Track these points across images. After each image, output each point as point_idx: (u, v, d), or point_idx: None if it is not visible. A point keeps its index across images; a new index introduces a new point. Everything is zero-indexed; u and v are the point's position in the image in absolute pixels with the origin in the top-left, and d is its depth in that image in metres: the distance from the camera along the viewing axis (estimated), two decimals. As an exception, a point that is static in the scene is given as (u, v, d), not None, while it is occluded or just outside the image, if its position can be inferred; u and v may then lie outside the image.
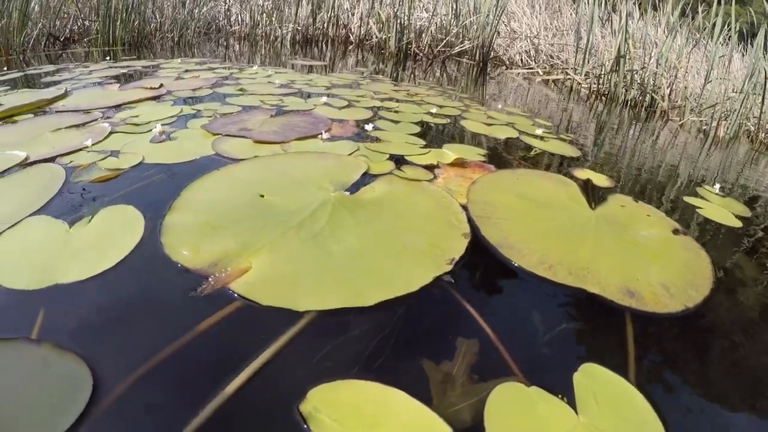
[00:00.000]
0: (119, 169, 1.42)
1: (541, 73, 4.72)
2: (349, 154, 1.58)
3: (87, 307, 0.87)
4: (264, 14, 5.80)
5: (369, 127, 1.84)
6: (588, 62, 4.33)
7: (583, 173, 1.69)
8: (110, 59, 4.08)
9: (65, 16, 5.76)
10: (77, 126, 1.85)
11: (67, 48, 5.32)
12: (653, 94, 3.78)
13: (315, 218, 1.15)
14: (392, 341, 0.82)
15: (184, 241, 1.03)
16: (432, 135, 1.96)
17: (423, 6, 5.74)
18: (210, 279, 0.91)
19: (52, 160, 1.52)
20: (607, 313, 0.96)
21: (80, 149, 1.59)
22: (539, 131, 2.15)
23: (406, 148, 1.69)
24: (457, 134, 2.03)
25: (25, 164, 1.50)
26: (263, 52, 4.97)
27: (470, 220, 1.23)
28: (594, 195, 1.52)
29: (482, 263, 1.09)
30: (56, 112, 2.11)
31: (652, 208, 1.46)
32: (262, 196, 1.25)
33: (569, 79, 4.39)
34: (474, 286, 1.00)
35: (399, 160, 1.60)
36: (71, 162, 1.49)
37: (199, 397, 0.70)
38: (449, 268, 1.02)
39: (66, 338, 0.79)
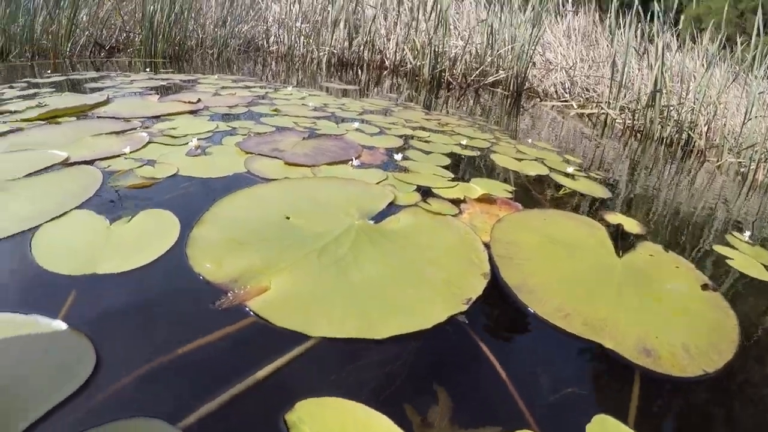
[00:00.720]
0: (154, 178, 1.47)
1: (575, 107, 4.72)
2: (377, 183, 1.61)
3: (112, 298, 0.94)
4: (302, 36, 5.93)
5: (398, 156, 1.87)
6: (624, 96, 4.30)
7: (614, 217, 1.69)
8: (151, 71, 4.20)
9: (112, 26, 5.95)
10: (117, 133, 1.92)
11: (112, 56, 5.49)
12: (690, 132, 3.69)
13: (338, 244, 1.17)
14: (397, 375, 0.83)
15: (208, 254, 1.07)
16: (461, 167, 1.98)
17: (459, 34, 5.80)
18: (229, 294, 0.94)
19: (91, 162, 1.58)
20: (622, 368, 0.94)
21: (118, 155, 1.65)
22: (570, 169, 2.15)
23: (434, 180, 1.72)
24: (485, 168, 2.05)
25: (66, 164, 1.56)
26: (299, 74, 5.07)
27: (492, 259, 1.23)
28: (623, 241, 1.51)
29: (499, 305, 1.09)
30: (97, 117, 2.19)
31: (681, 259, 1.42)
32: (288, 218, 1.28)
33: (604, 113, 4.37)
34: (488, 328, 1.00)
35: (426, 192, 1.62)
36: (109, 166, 1.55)
37: (193, 399, 0.73)
38: (465, 307, 1.02)
39: (85, 322, 0.86)
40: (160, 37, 5.21)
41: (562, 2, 6.65)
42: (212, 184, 1.50)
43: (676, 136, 3.79)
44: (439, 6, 5.14)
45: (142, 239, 1.13)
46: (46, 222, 1.18)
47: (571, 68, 5.25)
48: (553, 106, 4.84)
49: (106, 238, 1.13)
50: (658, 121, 3.83)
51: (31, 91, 3.00)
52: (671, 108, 3.82)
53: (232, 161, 1.68)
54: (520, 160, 2.26)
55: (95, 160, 1.61)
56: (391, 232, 1.29)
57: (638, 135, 3.97)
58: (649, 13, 4.40)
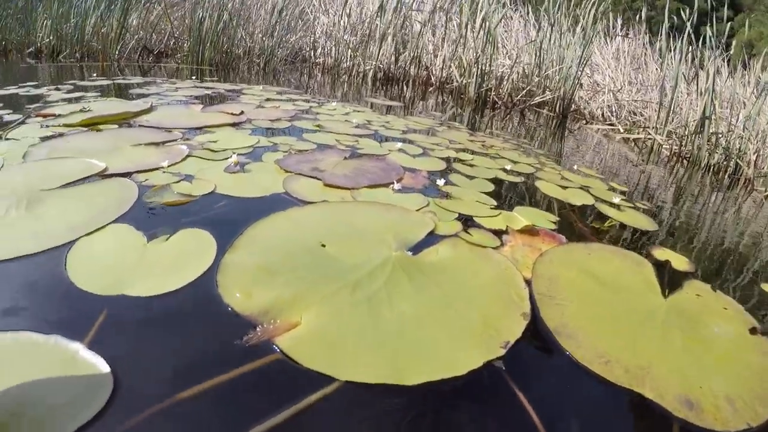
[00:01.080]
0: (191, 195, 1.46)
1: (622, 131, 4.62)
2: (418, 210, 1.57)
3: (140, 323, 0.93)
4: (349, 49, 5.96)
5: (441, 182, 1.83)
6: (671, 121, 4.21)
7: (661, 253, 1.61)
8: (196, 78, 4.27)
9: (161, 31, 6.08)
10: (157, 144, 1.93)
11: (159, 61, 5.60)
12: (738, 160, 3.55)
13: (372, 278, 1.14)
14: (425, 425, 0.80)
15: (239, 283, 1.05)
16: (504, 194, 1.93)
17: (507, 52, 5.75)
18: (258, 329, 0.91)
19: (128, 175, 1.59)
20: (662, 420, 0.89)
21: (156, 169, 1.65)
22: (616, 199, 2.08)
23: (476, 208, 1.67)
24: (529, 195, 1.99)
25: (103, 175, 1.57)
26: (344, 87, 5.09)
27: (532, 298, 1.17)
28: (670, 279, 1.43)
29: (539, 349, 1.04)
30: (139, 126, 2.21)
31: (730, 299, 1.34)
32: (324, 245, 1.25)
33: (650, 138, 4.27)
34: (526, 374, 0.95)
35: (467, 221, 1.58)
36: (146, 180, 1.55)
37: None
38: (502, 352, 0.97)
39: (108, 347, 0.85)
40: (208, 44, 5.30)
41: (612, 24, 6.57)
42: (249, 204, 1.48)
43: (724, 163, 3.67)
44: (487, 24, 5.11)
45: (178, 261, 1.12)
46: (83, 237, 1.19)
47: (618, 91, 5.16)
48: (598, 129, 4.75)
49: (142, 257, 1.13)
50: (705, 148, 3.72)
51: (77, 94, 3.07)
52: (720, 135, 3.71)
53: (270, 180, 1.67)
54: (564, 187, 2.20)
55: (133, 172, 1.61)
56: (429, 265, 1.25)
57: (685, 162, 3.86)
58: (701, 37, 4.31)
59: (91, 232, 1.21)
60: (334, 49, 6.15)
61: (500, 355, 0.97)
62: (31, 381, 0.75)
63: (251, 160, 1.86)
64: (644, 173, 3.22)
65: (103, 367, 0.79)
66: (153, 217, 1.33)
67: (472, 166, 2.29)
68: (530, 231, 1.58)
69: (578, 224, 1.78)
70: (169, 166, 1.67)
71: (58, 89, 3.25)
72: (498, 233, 1.52)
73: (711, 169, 3.69)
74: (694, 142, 3.82)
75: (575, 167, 2.68)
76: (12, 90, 3.17)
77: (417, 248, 1.34)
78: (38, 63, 5.22)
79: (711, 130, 3.73)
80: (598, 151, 3.77)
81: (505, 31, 6.29)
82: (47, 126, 2.16)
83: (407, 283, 1.15)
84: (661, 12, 5.07)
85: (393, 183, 1.78)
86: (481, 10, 5.32)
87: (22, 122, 2.25)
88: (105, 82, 3.68)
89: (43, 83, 3.54)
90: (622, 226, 1.86)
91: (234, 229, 1.28)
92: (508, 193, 1.99)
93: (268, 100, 3.29)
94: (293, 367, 0.86)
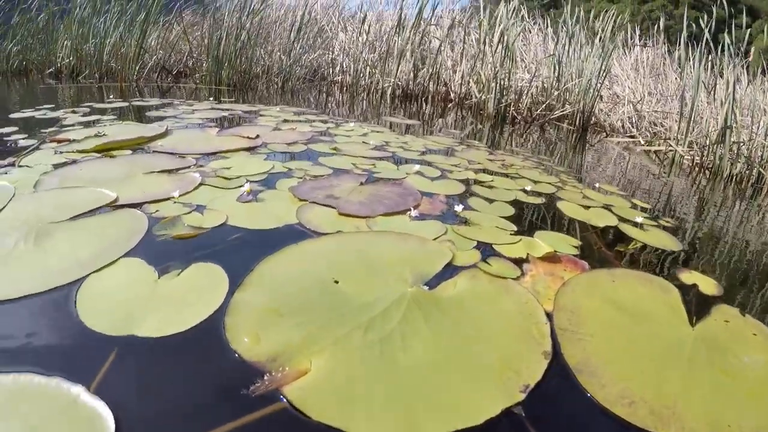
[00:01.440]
0: (201, 228, 1.45)
1: (643, 143, 4.56)
2: (435, 239, 1.54)
3: (146, 367, 0.92)
4: (368, 66, 5.96)
5: (459, 208, 1.80)
6: (692, 131, 4.14)
7: (688, 276, 1.54)
8: (214, 99, 4.29)
9: (180, 51, 6.14)
10: (169, 171, 1.92)
11: (178, 81, 5.66)
12: (761, 169, 3.50)
13: (386, 317, 1.10)
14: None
15: (247, 326, 1.02)
16: (524, 218, 1.89)
17: (525, 66, 5.72)
18: (265, 378, 0.88)
19: (139, 206, 1.58)
20: None
21: (167, 199, 1.64)
22: (639, 218, 2.02)
23: (496, 235, 1.63)
24: (550, 218, 1.94)
25: (113, 205, 1.56)
26: (363, 105, 5.09)
27: (553, 333, 1.13)
28: (698, 304, 1.37)
29: (560, 390, 1.00)
30: (153, 151, 2.21)
31: (759, 324, 1.28)
32: (337, 282, 1.22)
33: (671, 150, 4.21)
34: (547, 419, 0.91)
35: (487, 250, 1.54)
36: (157, 211, 1.54)
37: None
38: (522, 396, 0.93)
39: (113, 390, 0.83)
40: (226, 64, 5.34)
41: (630, 35, 6.53)
42: (262, 236, 1.46)
43: (746, 172, 3.60)
44: (506, 38, 5.08)
45: (188, 298, 1.11)
46: (93, 273, 1.18)
47: (638, 102, 5.10)
48: (618, 142, 4.69)
49: (152, 294, 1.11)
50: (727, 157, 3.65)
51: (94, 117, 3.09)
52: (741, 144, 3.64)
53: (284, 210, 1.64)
54: (587, 207, 2.14)
55: (144, 203, 1.60)
56: (446, 301, 1.21)
57: (707, 172, 3.80)
58: (719, 45, 4.26)
59: (101, 268, 1.20)
60: (352, 66, 6.16)
61: (519, 401, 0.92)
62: (29, 426, 0.73)
63: (265, 188, 1.84)
64: (666, 186, 3.16)
65: (105, 412, 0.77)
66: (164, 251, 1.31)
67: (491, 188, 2.26)
68: (552, 258, 1.54)
69: (601, 248, 1.73)
70: (180, 196, 1.66)
71: (74, 112, 3.28)
72: (518, 262, 1.47)
73: (733, 179, 3.63)
74: (716, 152, 3.76)
75: (597, 185, 2.63)
76: (29, 113, 3.21)
77: (434, 282, 1.31)
78: (58, 83, 5.31)
79: (732, 139, 3.68)
80: (619, 165, 3.72)
81: (524, 45, 6.27)
82: (61, 152, 2.17)
83: (423, 323, 1.11)
84: (679, 21, 5.02)
85: (410, 210, 1.74)
86: (499, 25, 5.30)
87: (37, 148, 2.27)
88: (122, 104, 3.71)
89: (61, 105, 3.59)
90: (647, 248, 1.80)
91: (246, 263, 1.26)
92: (528, 217, 1.95)
93: (285, 121, 3.29)
94: (302, 419, 0.83)
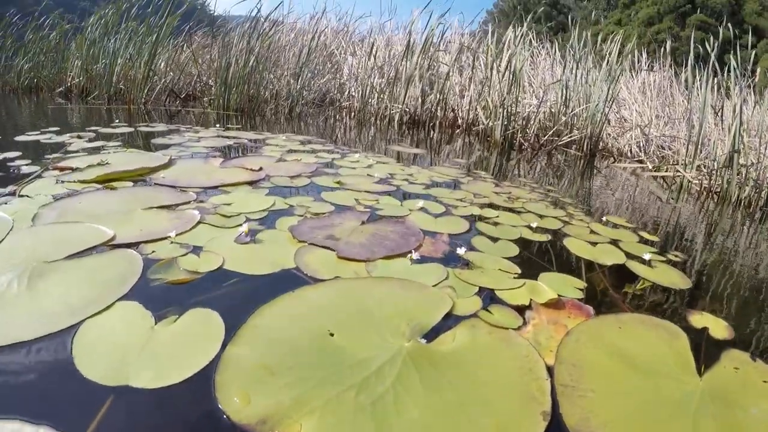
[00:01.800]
0: (197, 272, 1.45)
1: (650, 168, 4.54)
2: (435, 285, 1.52)
3: (137, 422, 0.92)
4: (376, 92, 5.99)
5: (461, 250, 1.78)
6: (701, 153, 4.12)
7: (699, 319, 1.51)
8: (221, 125, 4.31)
9: (189, 74, 6.19)
10: (169, 207, 1.93)
11: (186, 105, 5.69)
12: None
13: (380, 377, 1.08)
14: None
15: (238, 385, 1.01)
16: (529, 258, 1.86)
17: (533, 91, 5.72)
18: (253, 444, 0.86)
19: (135, 245, 1.57)
20: None
21: (164, 238, 1.63)
22: (647, 255, 1.99)
23: (498, 279, 1.61)
24: (556, 256, 1.92)
25: (110, 244, 1.56)
26: (371, 132, 5.09)
27: (554, 390, 1.10)
28: (707, 350, 1.34)
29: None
30: (154, 184, 2.21)
31: None
32: (332, 334, 1.20)
33: (679, 175, 4.19)
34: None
35: (489, 296, 1.52)
36: (153, 252, 1.54)
37: None
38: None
39: None
40: (234, 89, 5.37)
41: (637, 58, 6.55)
42: (258, 282, 1.45)
43: (755, 196, 3.56)
44: (513, 64, 5.10)
45: (185, 347, 1.11)
46: (88, 318, 1.18)
47: (646, 126, 5.09)
48: (626, 167, 4.68)
49: (147, 342, 1.11)
50: (735, 181, 3.62)
51: (98, 143, 3.11)
52: (749, 166, 3.61)
53: (282, 252, 1.63)
54: (594, 244, 2.11)
55: (140, 242, 1.60)
56: (443, 357, 1.19)
57: (715, 197, 3.77)
58: (726, 66, 4.27)
59: (95, 314, 1.20)
60: (360, 91, 6.19)
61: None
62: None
63: (264, 227, 1.83)
64: (674, 213, 3.14)
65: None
66: (160, 295, 1.31)
67: (496, 224, 2.24)
68: (555, 304, 1.51)
69: (608, 289, 1.70)
70: (177, 236, 1.66)
71: (80, 137, 3.30)
72: (521, 309, 1.45)
73: (742, 203, 3.60)
74: (723, 176, 3.74)
75: (604, 218, 2.61)
76: (34, 136, 3.23)
77: (432, 334, 1.29)
78: (67, 103, 5.35)
79: (740, 162, 3.65)
80: (627, 192, 3.70)
81: (532, 69, 6.29)
82: (62, 181, 2.17)
83: (418, 383, 1.09)
84: (685, 42, 5.03)
85: (411, 252, 1.73)
86: (507, 50, 5.32)
87: (39, 176, 2.27)
88: (127, 130, 3.73)
89: (68, 128, 3.60)
90: (656, 288, 1.76)
91: (241, 311, 1.26)
92: (533, 256, 1.93)
93: (290, 151, 3.30)
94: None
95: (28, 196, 1.95)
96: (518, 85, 5.12)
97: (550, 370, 1.17)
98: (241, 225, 1.79)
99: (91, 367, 1.02)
